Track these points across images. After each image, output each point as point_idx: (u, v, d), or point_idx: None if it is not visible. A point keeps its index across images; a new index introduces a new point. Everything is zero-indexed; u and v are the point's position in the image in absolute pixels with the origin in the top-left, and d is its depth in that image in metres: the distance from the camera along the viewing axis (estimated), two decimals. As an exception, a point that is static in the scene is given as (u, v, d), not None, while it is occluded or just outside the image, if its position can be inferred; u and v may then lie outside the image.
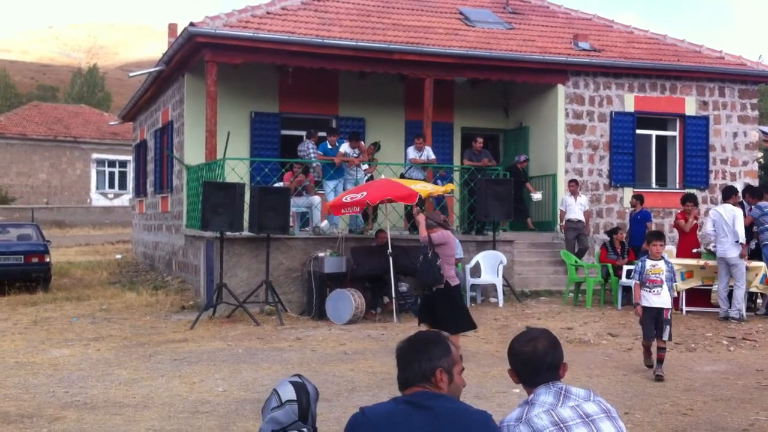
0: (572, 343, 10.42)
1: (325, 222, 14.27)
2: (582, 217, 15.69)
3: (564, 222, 15.86)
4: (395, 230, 14.39)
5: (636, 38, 19.58)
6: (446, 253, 9.10)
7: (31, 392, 7.82)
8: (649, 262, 8.63)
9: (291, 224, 13.60)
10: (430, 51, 16.27)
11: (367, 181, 14.87)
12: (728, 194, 12.82)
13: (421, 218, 9.45)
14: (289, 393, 3.09)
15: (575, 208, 15.69)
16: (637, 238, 14.61)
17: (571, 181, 16.21)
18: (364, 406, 2.95)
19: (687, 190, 16.75)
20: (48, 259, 17.30)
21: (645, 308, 8.53)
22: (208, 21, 15.15)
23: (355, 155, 14.83)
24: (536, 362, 3.05)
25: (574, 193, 15.80)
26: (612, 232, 14.53)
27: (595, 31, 19.38)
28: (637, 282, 8.63)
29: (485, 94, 19.04)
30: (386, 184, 13.08)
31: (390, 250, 12.46)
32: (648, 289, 8.54)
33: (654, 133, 18.70)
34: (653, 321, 8.50)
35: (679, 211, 14.23)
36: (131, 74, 20.02)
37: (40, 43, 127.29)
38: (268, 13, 16.40)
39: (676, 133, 18.72)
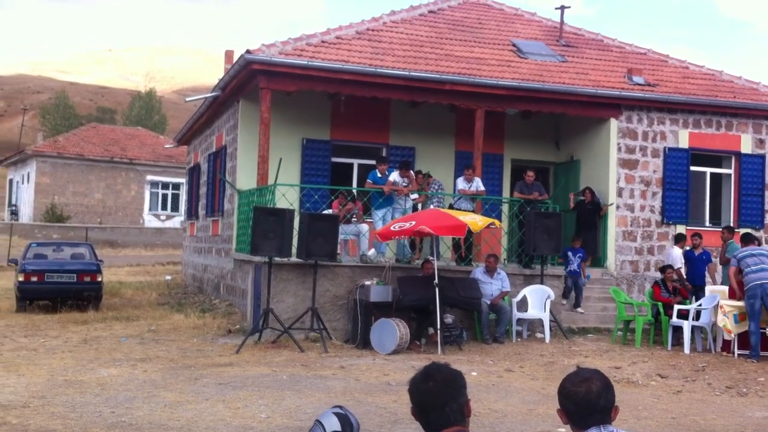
0: (620, 383, 10.21)
1: (373, 250, 14.29)
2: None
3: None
4: (442, 261, 14.33)
5: (691, 74, 19.36)
6: None
7: (78, 411, 7.92)
8: None
9: (339, 251, 13.65)
10: (482, 82, 16.28)
11: (414, 210, 14.88)
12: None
13: None
14: (333, 424, 3.08)
15: (678, 264, 15.13)
16: (700, 278, 14.48)
17: (680, 235, 15.61)
18: None
19: (742, 230, 16.40)
20: (100, 279, 17.58)
21: None
22: (264, 48, 15.38)
23: (404, 184, 14.85)
24: (589, 404, 2.99)
25: (681, 247, 15.28)
26: (664, 270, 14.31)
27: (649, 66, 19.21)
28: None
29: (536, 126, 18.95)
30: (435, 214, 13.07)
31: (436, 280, 12.41)
32: None
33: (708, 170, 18.41)
34: None
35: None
36: (188, 99, 20.37)
37: (100, 65, 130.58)
38: (322, 41, 16.60)
39: (731, 171, 18.40)
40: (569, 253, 15.38)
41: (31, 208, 42.08)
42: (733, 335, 12.55)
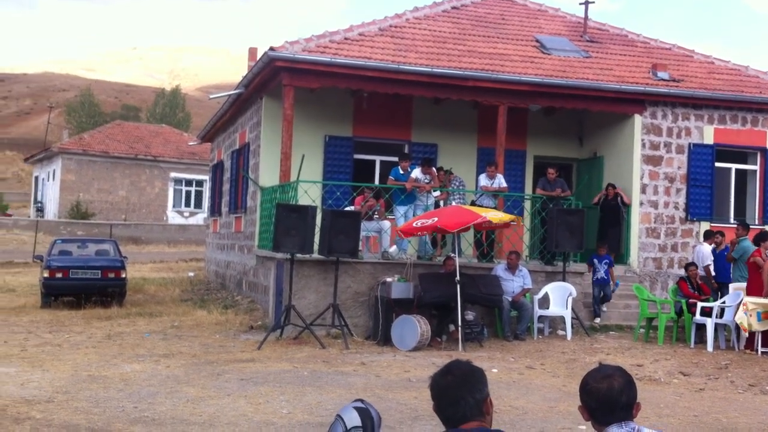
0: (642, 381, 10.14)
1: (394, 247, 14.28)
2: None
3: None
4: (463, 258, 14.30)
5: (717, 69, 19.15)
6: None
7: (101, 406, 7.99)
8: None
9: (360, 248, 13.66)
10: (505, 78, 16.20)
11: (436, 207, 14.84)
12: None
13: None
14: (354, 420, 3.07)
15: (707, 261, 15.03)
16: (723, 275, 14.30)
17: (709, 232, 15.40)
18: None
19: (767, 227, 16.22)
20: (124, 275, 17.73)
21: None
22: (287, 46, 15.41)
23: (426, 181, 14.83)
24: (611, 401, 2.97)
25: (710, 244, 15.11)
26: (688, 267, 14.20)
27: (674, 61, 19.02)
28: None
29: (559, 122, 18.83)
30: (457, 211, 13.04)
31: (458, 277, 12.38)
32: None
33: (734, 166, 18.20)
34: None
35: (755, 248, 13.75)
36: (212, 96, 20.48)
37: (125, 63, 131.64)
38: (345, 38, 16.60)
39: (756, 167, 18.19)
40: (595, 261, 14.83)
41: (57, 205, 42.51)
42: (747, 333, 12.45)
